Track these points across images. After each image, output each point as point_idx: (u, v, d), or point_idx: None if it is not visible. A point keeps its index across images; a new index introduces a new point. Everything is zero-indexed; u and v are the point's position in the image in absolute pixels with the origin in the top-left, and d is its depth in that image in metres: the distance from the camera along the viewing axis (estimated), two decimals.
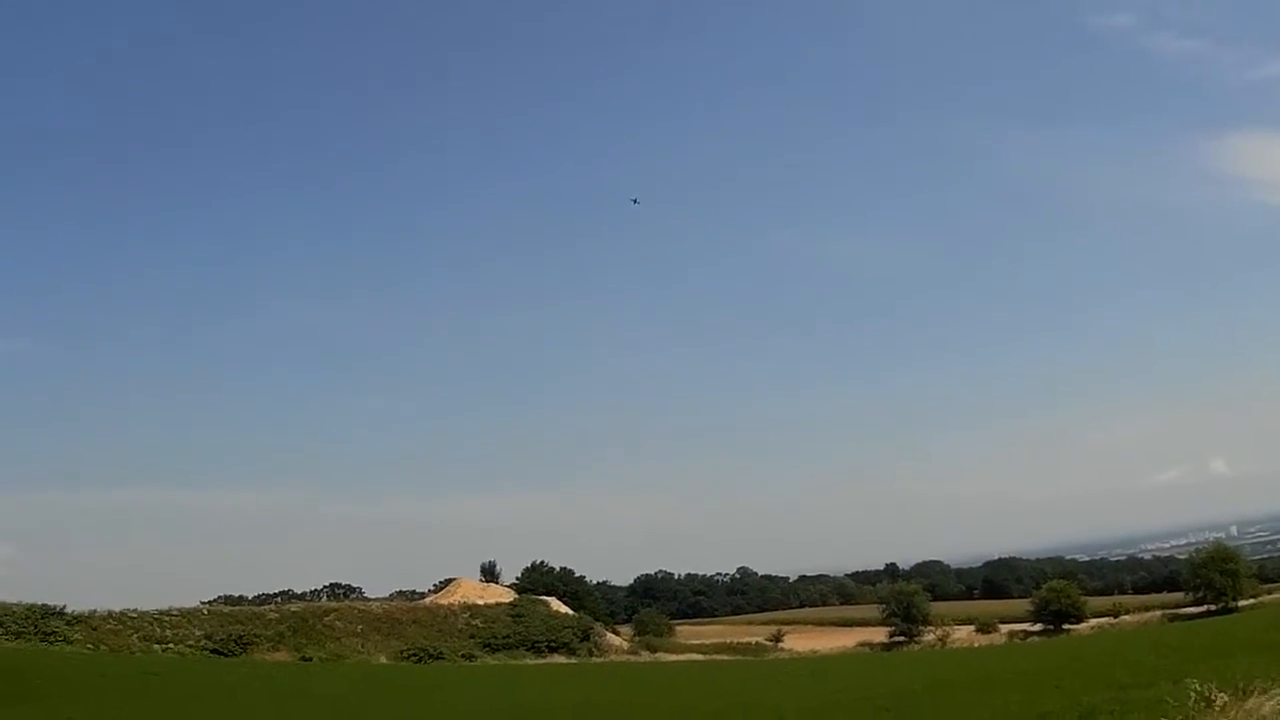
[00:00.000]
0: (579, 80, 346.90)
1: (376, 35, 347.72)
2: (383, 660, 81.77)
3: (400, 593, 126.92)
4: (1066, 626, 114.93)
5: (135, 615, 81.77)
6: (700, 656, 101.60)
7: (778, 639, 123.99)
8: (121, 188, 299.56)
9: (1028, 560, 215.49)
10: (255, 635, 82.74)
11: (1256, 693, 19.97)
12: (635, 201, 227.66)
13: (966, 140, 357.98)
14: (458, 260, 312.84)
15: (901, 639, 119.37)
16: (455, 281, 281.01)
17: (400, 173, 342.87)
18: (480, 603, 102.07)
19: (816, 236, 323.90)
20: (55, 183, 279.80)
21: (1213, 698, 19.84)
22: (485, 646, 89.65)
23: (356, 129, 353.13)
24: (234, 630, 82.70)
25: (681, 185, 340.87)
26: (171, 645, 78.22)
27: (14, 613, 73.06)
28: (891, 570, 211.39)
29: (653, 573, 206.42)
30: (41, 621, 73.19)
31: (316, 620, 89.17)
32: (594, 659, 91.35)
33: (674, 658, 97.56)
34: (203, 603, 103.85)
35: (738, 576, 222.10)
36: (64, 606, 77.26)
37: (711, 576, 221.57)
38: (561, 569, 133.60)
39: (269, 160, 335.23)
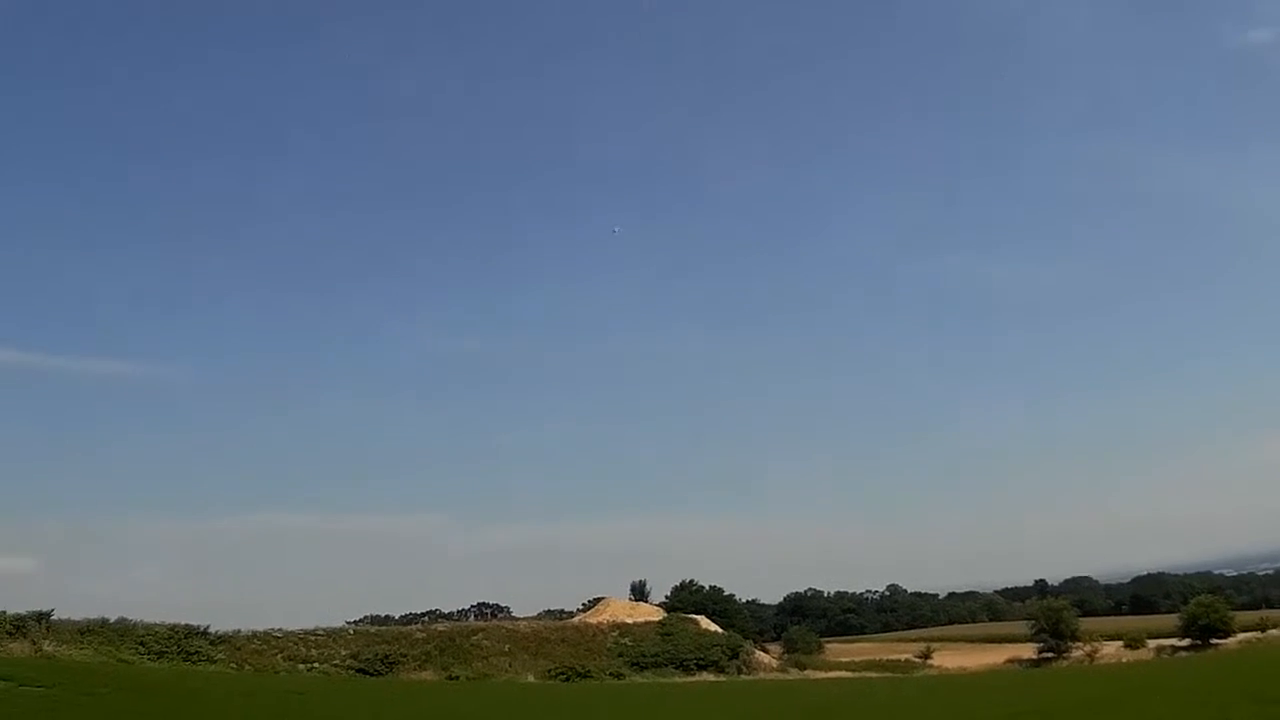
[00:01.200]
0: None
1: None
2: (530, 679, 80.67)
3: (548, 612, 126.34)
4: (1214, 641, 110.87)
5: (280, 635, 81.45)
6: (849, 674, 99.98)
7: (926, 656, 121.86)
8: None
9: (1175, 575, 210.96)
10: (402, 655, 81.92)
11: None
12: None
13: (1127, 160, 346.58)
14: (628, 273, 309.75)
15: (1050, 655, 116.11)
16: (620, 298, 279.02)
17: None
18: (629, 621, 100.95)
19: (986, 258, 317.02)
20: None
21: None
22: (633, 665, 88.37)
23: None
24: (380, 650, 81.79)
25: (867, 201, 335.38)
26: (317, 665, 77.40)
27: (157, 633, 72.65)
28: (1040, 586, 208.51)
29: (802, 590, 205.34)
30: (184, 641, 72.71)
31: (464, 640, 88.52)
32: (742, 676, 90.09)
33: (822, 675, 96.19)
34: (348, 623, 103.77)
35: (887, 594, 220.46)
36: (207, 627, 76.89)
37: (861, 594, 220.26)
38: (711, 587, 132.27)
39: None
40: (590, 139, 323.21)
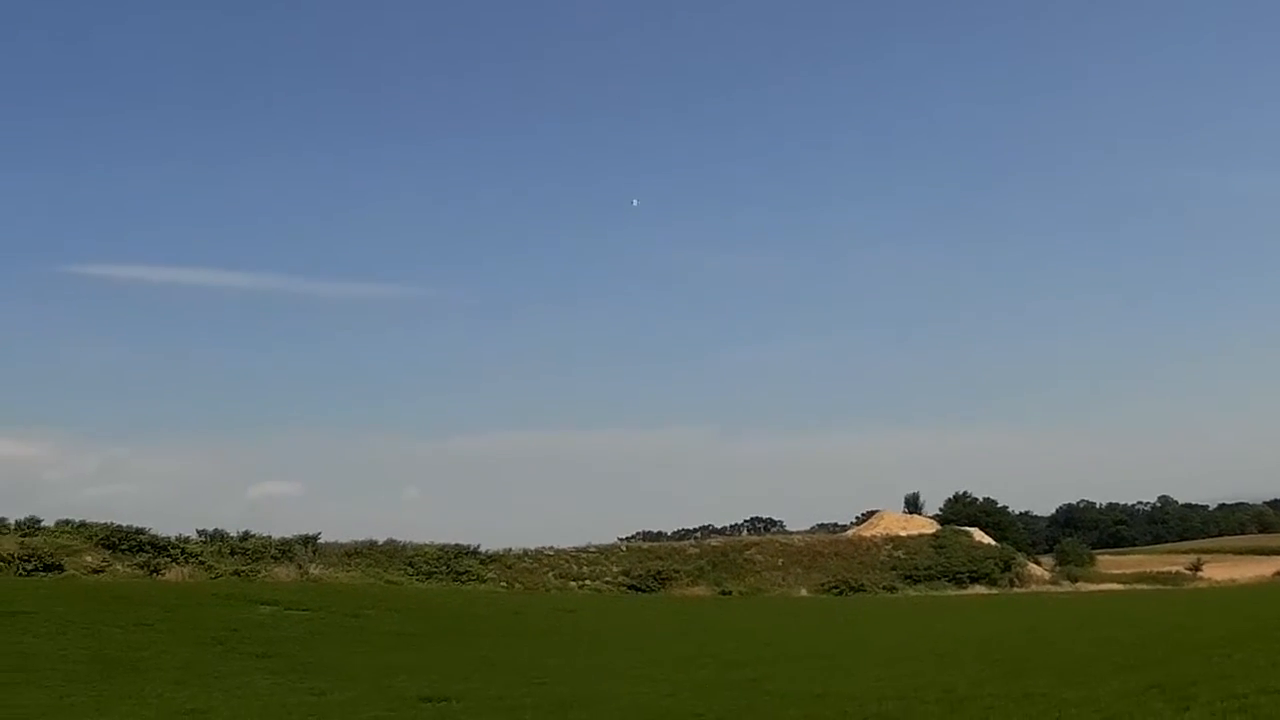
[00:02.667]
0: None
1: None
2: (803, 593, 79.32)
3: (821, 525, 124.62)
4: None
5: (551, 554, 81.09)
6: (1120, 586, 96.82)
7: (1196, 568, 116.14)
8: None
9: None
10: (674, 570, 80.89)
11: None
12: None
13: None
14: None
15: None
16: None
17: None
18: (902, 534, 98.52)
19: (1232, 171, 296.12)
20: None
21: None
22: (906, 578, 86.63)
23: None
24: (652, 566, 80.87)
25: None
26: (589, 582, 76.76)
27: (426, 554, 72.71)
28: None
29: (1074, 502, 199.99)
30: (454, 561, 72.64)
31: (737, 554, 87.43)
32: (1015, 589, 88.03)
33: (1093, 588, 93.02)
34: (620, 539, 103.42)
35: (1158, 505, 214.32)
36: (478, 546, 76.77)
37: (1132, 505, 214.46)
38: (984, 500, 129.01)
39: None
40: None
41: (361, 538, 73.92)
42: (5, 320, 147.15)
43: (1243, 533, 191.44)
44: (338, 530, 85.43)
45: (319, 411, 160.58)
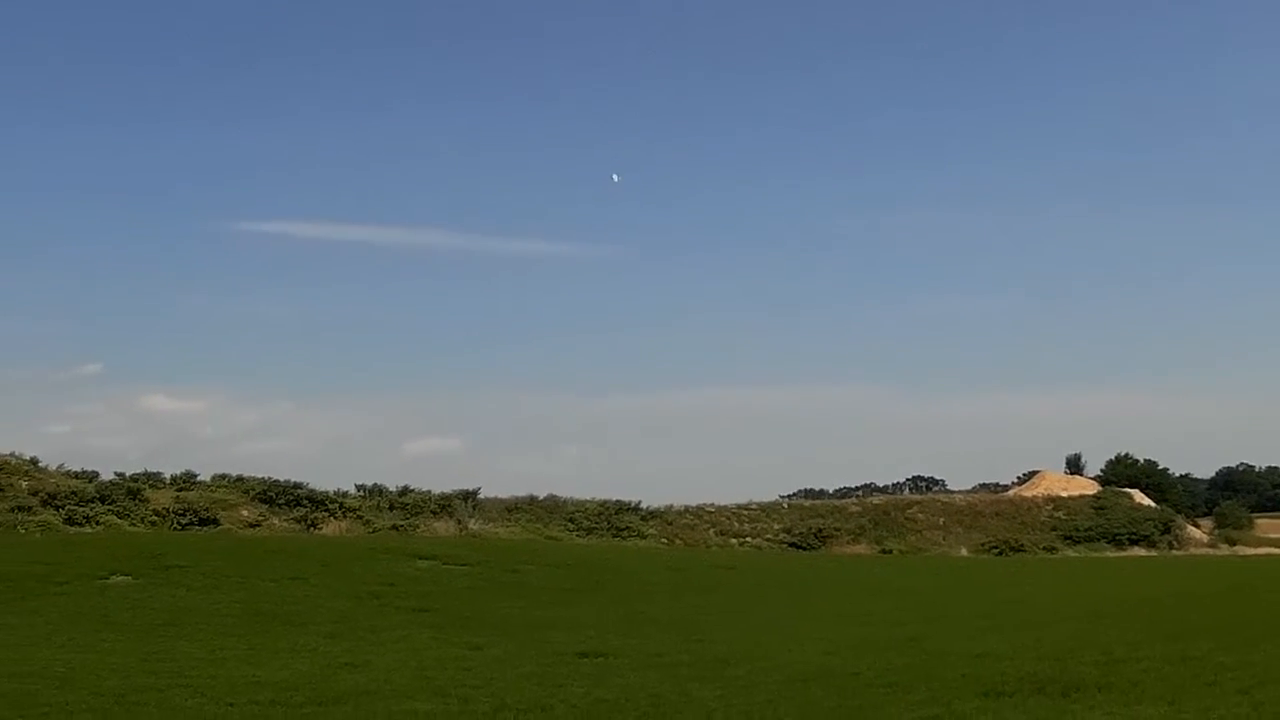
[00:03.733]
0: None
1: None
2: (963, 553, 78.26)
3: (982, 485, 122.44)
4: None
5: (712, 510, 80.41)
6: (1278, 550, 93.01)
7: None
8: None
9: None
10: (835, 529, 79.85)
11: None
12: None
13: None
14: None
15: None
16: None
17: None
18: (1063, 495, 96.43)
19: None
20: None
21: None
22: (1066, 539, 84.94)
23: None
24: (813, 524, 79.84)
25: None
26: (749, 539, 75.85)
27: (586, 509, 72.33)
28: None
29: (1234, 465, 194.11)
30: (614, 517, 72.08)
31: (898, 513, 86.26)
32: (1173, 551, 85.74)
33: (1251, 551, 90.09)
34: (782, 497, 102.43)
35: None
36: (638, 502, 76.03)
37: None
38: (1145, 461, 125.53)
39: None
40: None
41: (521, 493, 73.72)
42: (167, 277, 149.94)
43: None
44: (497, 486, 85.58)
45: (480, 368, 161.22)
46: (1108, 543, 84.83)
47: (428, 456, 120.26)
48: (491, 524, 65.82)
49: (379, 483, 67.78)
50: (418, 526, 62.30)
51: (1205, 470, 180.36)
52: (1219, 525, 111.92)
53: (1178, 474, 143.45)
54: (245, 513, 59.83)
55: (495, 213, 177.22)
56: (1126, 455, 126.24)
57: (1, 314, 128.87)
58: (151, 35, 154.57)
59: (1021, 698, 15.96)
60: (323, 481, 65.04)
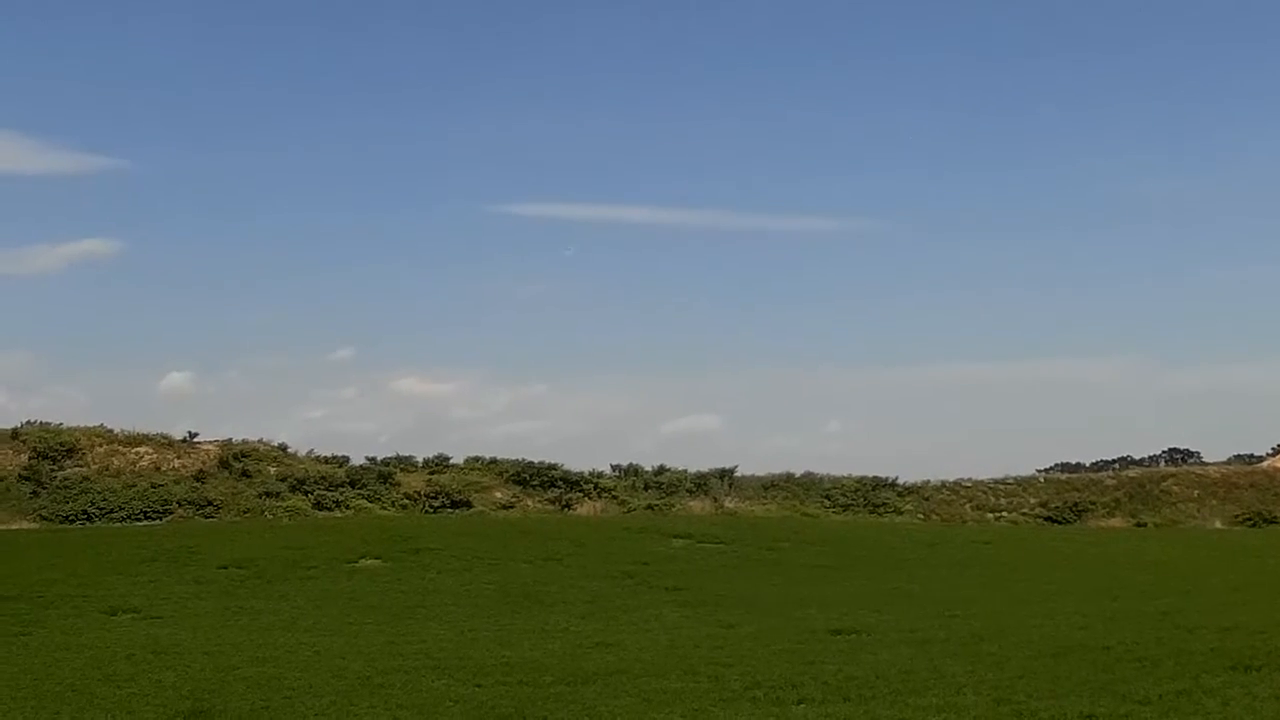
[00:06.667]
0: None
1: None
2: (1217, 525, 75.79)
3: (1238, 456, 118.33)
4: None
5: (969, 485, 79.32)
6: None
7: None
8: None
9: None
10: (1091, 502, 78.16)
11: None
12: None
13: None
14: None
15: None
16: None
17: None
18: None
19: None
20: None
21: None
22: None
23: None
24: (1069, 497, 78.20)
25: None
26: (1005, 514, 74.69)
27: (843, 486, 71.83)
28: None
29: None
30: (871, 493, 71.49)
31: (1154, 486, 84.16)
32: None
33: None
34: (1039, 471, 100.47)
35: None
36: (895, 478, 75.19)
37: None
38: None
39: None
40: None
41: (778, 471, 73.29)
42: (428, 260, 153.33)
43: None
44: (755, 464, 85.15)
45: (742, 346, 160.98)
46: None
47: (686, 435, 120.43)
48: (748, 502, 65.73)
49: (634, 462, 68.09)
50: (673, 506, 62.52)
51: None
52: None
53: None
54: (499, 494, 60.76)
55: (756, 188, 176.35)
56: None
57: (257, 303, 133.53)
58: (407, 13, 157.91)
59: (1269, 671, 15.86)
60: (579, 462, 65.54)
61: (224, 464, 58.35)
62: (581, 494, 62.20)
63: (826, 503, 69.30)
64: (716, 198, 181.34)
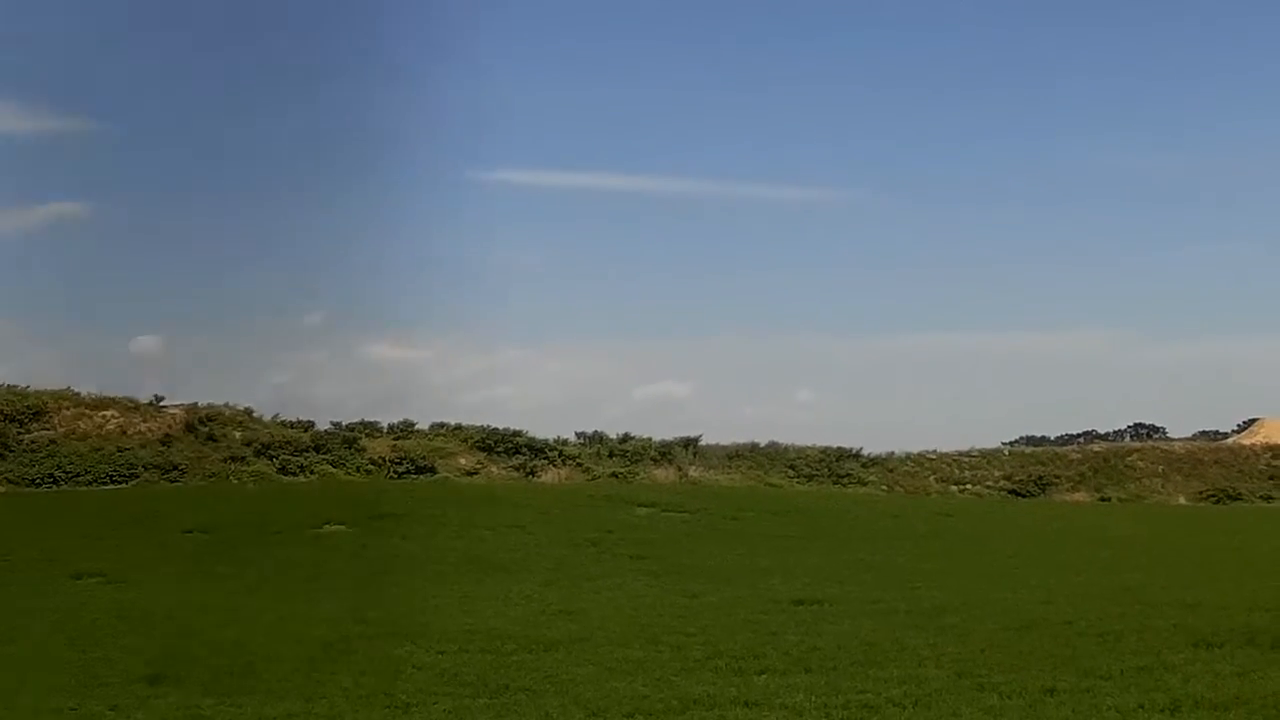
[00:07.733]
0: None
1: None
2: (1181, 501, 75.94)
3: (1202, 433, 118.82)
4: None
5: (934, 457, 79.02)
6: None
7: None
8: None
9: None
10: (1055, 476, 78.10)
11: None
12: None
13: None
14: None
15: None
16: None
17: None
18: None
19: None
20: None
21: None
22: None
23: None
24: (1034, 471, 78.05)
25: None
26: (969, 486, 74.54)
27: (808, 456, 71.40)
28: None
29: None
30: (835, 464, 71.15)
31: (1118, 461, 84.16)
32: None
33: None
34: (1004, 443, 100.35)
35: None
36: (860, 449, 74.83)
37: None
38: None
39: None
40: None
41: (744, 440, 72.90)
42: (411, 226, 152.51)
43: None
44: (723, 432, 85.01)
45: (717, 312, 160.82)
46: None
47: (657, 402, 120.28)
48: (712, 471, 65.78)
49: (600, 430, 67.94)
50: (638, 474, 62.42)
51: None
52: None
53: None
54: (463, 461, 60.53)
55: (730, 157, 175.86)
56: None
57: (228, 267, 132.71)
58: None
59: (1231, 648, 16.19)
60: (552, 429, 65.45)
61: (190, 428, 57.84)
62: (546, 461, 62.02)
63: (791, 473, 69.19)
64: (690, 166, 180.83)
